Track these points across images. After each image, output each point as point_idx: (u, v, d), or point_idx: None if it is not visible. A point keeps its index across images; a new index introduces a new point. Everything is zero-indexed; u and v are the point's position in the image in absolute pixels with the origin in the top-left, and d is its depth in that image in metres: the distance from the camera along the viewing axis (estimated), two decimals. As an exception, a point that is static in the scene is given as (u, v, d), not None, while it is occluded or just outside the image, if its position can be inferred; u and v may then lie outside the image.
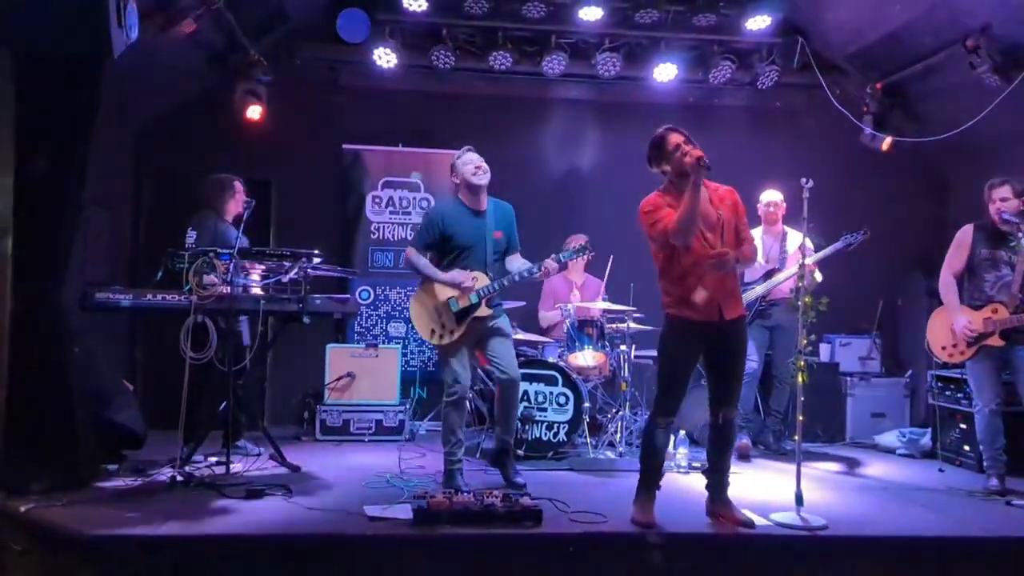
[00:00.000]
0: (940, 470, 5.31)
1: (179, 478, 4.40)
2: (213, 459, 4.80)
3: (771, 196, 5.90)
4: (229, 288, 4.52)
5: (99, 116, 4.17)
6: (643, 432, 4.14)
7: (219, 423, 4.82)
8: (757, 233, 5.94)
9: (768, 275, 5.76)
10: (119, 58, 4.00)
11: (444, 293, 4.58)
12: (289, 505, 4.09)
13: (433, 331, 4.59)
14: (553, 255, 4.62)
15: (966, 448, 5.52)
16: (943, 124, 6.22)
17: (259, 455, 5.10)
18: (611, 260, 5.99)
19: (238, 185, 5.43)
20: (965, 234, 5.04)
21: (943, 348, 4.98)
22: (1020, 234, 4.67)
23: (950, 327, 4.92)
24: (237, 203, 5.35)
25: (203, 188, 5.39)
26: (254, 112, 6.38)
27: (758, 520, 3.98)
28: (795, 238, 5.80)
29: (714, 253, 3.83)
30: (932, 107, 6.65)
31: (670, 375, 4.00)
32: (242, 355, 4.89)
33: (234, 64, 6.28)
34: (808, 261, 5.35)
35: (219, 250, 4.62)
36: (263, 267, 4.77)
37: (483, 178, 4.59)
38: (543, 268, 4.56)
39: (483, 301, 4.56)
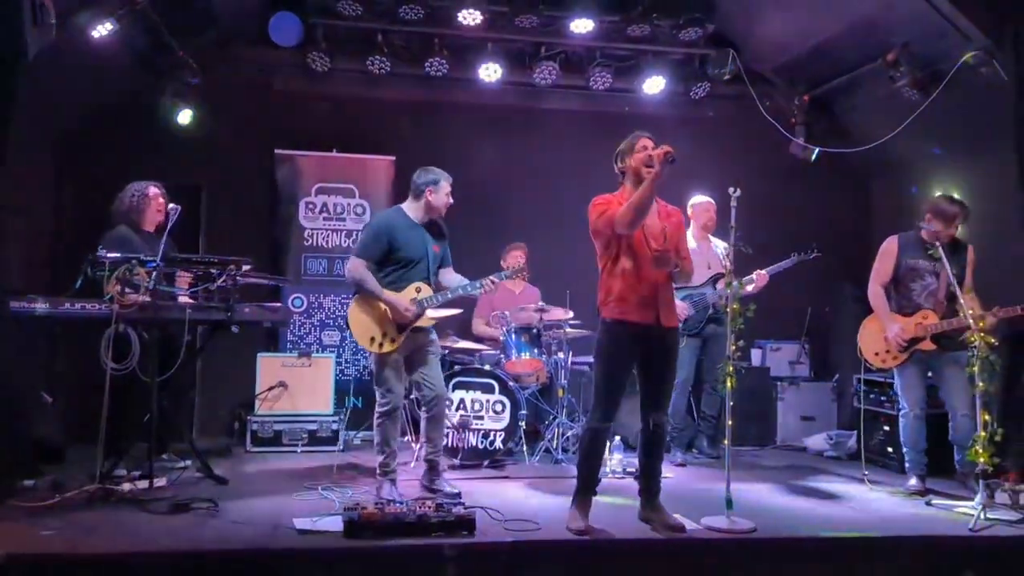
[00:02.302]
0: (864, 474, 5.41)
1: (99, 494, 4.24)
2: (136, 473, 4.62)
3: (710, 202, 5.93)
4: (151, 296, 4.38)
5: (13, 118, 4.00)
6: (581, 437, 4.18)
7: (143, 436, 4.66)
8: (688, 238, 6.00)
9: (715, 279, 5.80)
10: (38, 59, 3.86)
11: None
12: (215, 520, 3.97)
13: (372, 339, 4.56)
14: (494, 275, 4.70)
15: (889, 450, 5.69)
16: (866, 136, 6.42)
17: (185, 468, 4.95)
18: (568, 294, 6.03)
19: (152, 191, 5.17)
20: (890, 245, 5.19)
21: (876, 354, 5.11)
22: (937, 243, 4.82)
23: (882, 334, 5.06)
24: (156, 211, 5.15)
25: (117, 200, 5.13)
26: (183, 116, 6.22)
27: (689, 524, 4.03)
28: (718, 244, 5.94)
29: (658, 247, 3.98)
30: (856, 119, 6.86)
31: (608, 379, 4.05)
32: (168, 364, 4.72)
33: (161, 66, 6.11)
34: (766, 271, 5.53)
35: (142, 257, 4.48)
36: (189, 275, 4.64)
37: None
38: (483, 287, 4.65)
39: (425, 311, 4.61)
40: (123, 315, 4.34)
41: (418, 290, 4.60)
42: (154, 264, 4.43)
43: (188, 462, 5.03)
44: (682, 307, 5.72)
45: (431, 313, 4.70)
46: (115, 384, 4.34)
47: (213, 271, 4.64)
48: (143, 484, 4.44)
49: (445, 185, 4.70)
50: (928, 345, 4.93)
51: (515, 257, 6.57)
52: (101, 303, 4.37)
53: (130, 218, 5.10)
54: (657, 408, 4.09)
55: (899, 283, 5.11)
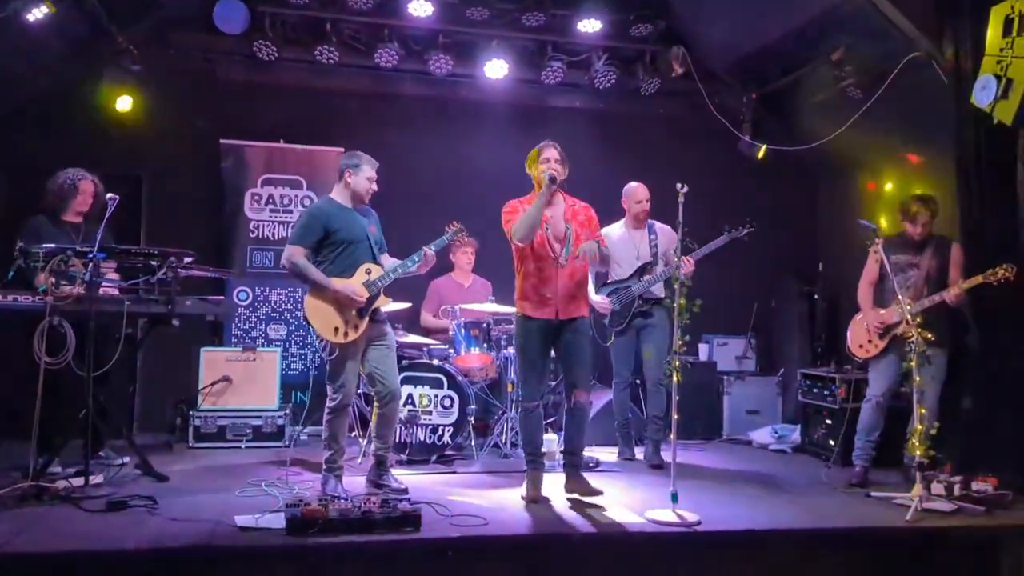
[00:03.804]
0: (827, 467, 5.50)
1: (33, 491, 4.09)
2: (71, 471, 4.48)
3: (638, 187, 5.72)
4: (86, 289, 4.25)
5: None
6: (519, 422, 4.75)
7: (78, 432, 4.51)
8: (618, 228, 5.77)
9: (642, 270, 5.64)
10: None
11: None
12: (154, 517, 3.87)
13: (337, 329, 4.43)
14: (431, 244, 4.63)
15: (831, 443, 5.78)
16: (814, 134, 6.52)
17: (123, 465, 4.83)
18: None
19: (83, 184, 5.02)
20: (875, 245, 5.26)
21: (860, 346, 5.25)
22: (877, 239, 4.97)
23: (865, 327, 5.21)
24: (81, 202, 5.00)
25: (48, 184, 4.98)
26: (123, 103, 6.05)
27: (634, 518, 4.06)
28: (663, 231, 5.69)
29: (558, 253, 4.43)
30: (804, 118, 6.96)
31: (525, 366, 4.56)
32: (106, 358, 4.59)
33: (101, 52, 5.93)
34: (692, 256, 5.41)
35: (78, 247, 4.34)
36: (119, 266, 4.52)
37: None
38: (424, 256, 4.57)
39: (381, 291, 4.53)
40: (57, 308, 4.21)
41: (368, 272, 4.52)
42: (91, 255, 4.29)
43: (127, 459, 4.91)
44: (603, 303, 5.63)
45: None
46: (49, 379, 4.21)
47: (153, 263, 4.52)
48: (79, 482, 4.30)
49: (367, 169, 4.62)
50: (905, 329, 4.85)
51: (464, 253, 6.55)
52: (34, 295, 4.24)
53: (53, 205, 4.93)
54: (574, 387, 4.51)
55: (884, 279, 5.22)
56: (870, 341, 5.19)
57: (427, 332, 6.36)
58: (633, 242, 5.71)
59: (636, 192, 5.73)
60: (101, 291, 4.45)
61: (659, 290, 5.66)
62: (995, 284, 4.77)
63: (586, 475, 4.56)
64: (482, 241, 6.49)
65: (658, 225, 5.75)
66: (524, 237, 4.34)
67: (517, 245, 4.45)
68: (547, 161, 4.43)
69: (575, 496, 4.42)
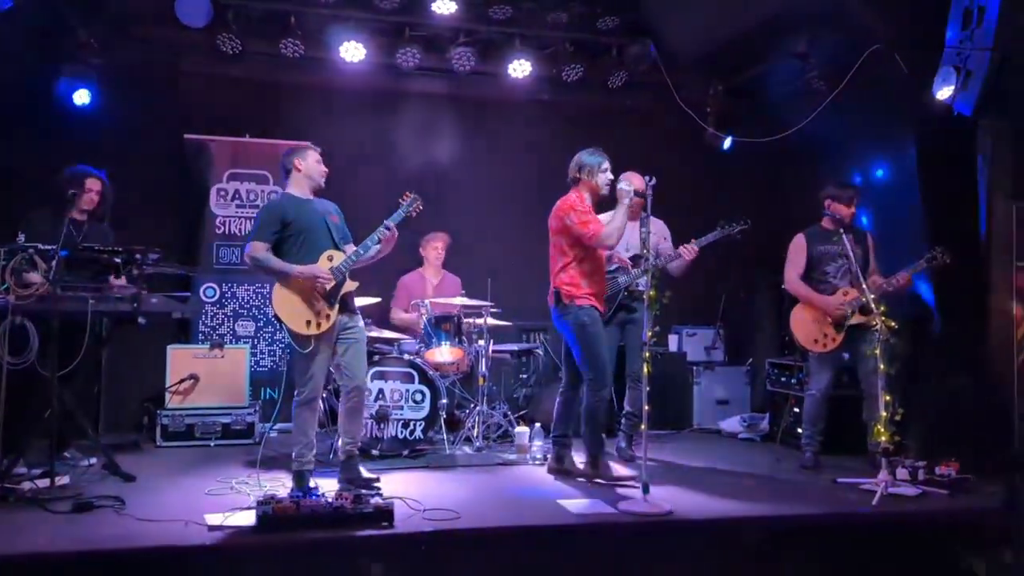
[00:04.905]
0: (778, 460, 5.59)
1: (-4, 494, 4.02)
2: (36, 472, 4.40)
3: (640, 182, 5.22)
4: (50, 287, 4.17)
5: None
6: (589, 409, 4.80)
7: (43, 432, 4.44)
8: (609, 216, 5.81)
9: (634, 261, 5.49)
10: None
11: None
12: (121, 518, 3.82)
13: (309, 321, 4.37)
14: (386, 221, 4.52)
15: (799, 431, 5.85)
16: (780, 126, 6.59)
17: (90, 466, 4.75)
18: (489, 283, 6.05)
19: (88, 182, 5.03)
20: (799, 240, 5.42)
21: (815, 341, 5.25)
22: (842, 229, 5.03)
23: (814, 321, 5.23)
24: (87, 199, 5.00)
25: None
26: (81, 97, 5.94)
27: (607, 508, 4.08)
28: (654, 224, 5.33)
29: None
30: (772, 109, 7.03)
31: (598, 352, 4.77)
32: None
33: (61, 45, 5.81)
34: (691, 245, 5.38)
35: (40, 246, 4.26)
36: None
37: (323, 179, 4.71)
38: (381, 235, 4.50)
39: (346, 275, 4.47)
40: (20, 307, 4.13)
41: (330, 258, 4.47)
42: (54, 253, 4.22)
43: (93, 459, 4.83)
44: None
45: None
46: (13, 379, 4.13)
47: (118, 261, 4.46)
48: (44, 483, 4.23)
49: (312, 154, 4.64)
50: (857, 319, 5.06)
51: (434, 247, 6.53)
52: (-4, 294, 4.15)
53: (59, 204, 4.86)
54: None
55: (814, 270, 5.30)
56: (825, 335, 5.21)
57: (398, 330, 6.33)
58: (625, 232, 5.64)
59: (633, 181, 5.59)
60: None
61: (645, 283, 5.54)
62: (935, 269, 5.01)
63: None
64: (453, 236, 6.48)
65: (652, 218, 5.61)
66: (616, 243, 4.82)
67: (574, 242, 4.73)
68: (606, 171, 4.85)
69: (565, 474, 4.87)
